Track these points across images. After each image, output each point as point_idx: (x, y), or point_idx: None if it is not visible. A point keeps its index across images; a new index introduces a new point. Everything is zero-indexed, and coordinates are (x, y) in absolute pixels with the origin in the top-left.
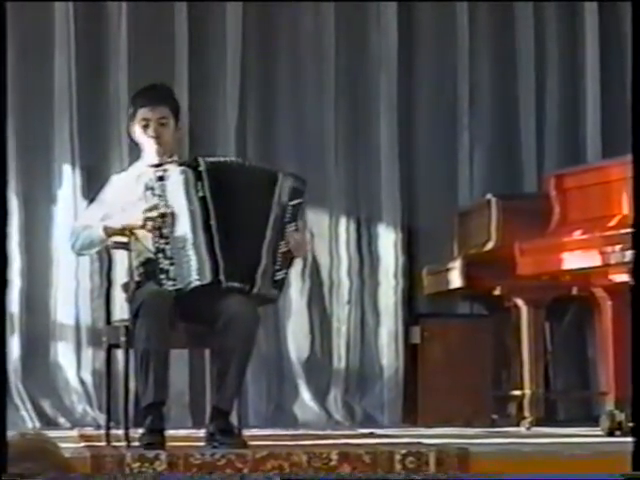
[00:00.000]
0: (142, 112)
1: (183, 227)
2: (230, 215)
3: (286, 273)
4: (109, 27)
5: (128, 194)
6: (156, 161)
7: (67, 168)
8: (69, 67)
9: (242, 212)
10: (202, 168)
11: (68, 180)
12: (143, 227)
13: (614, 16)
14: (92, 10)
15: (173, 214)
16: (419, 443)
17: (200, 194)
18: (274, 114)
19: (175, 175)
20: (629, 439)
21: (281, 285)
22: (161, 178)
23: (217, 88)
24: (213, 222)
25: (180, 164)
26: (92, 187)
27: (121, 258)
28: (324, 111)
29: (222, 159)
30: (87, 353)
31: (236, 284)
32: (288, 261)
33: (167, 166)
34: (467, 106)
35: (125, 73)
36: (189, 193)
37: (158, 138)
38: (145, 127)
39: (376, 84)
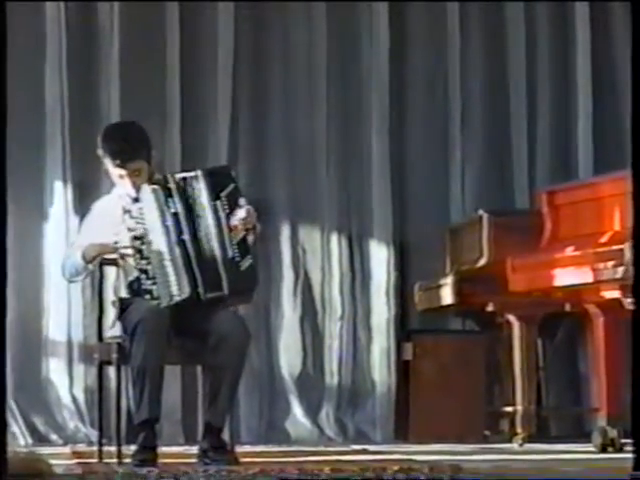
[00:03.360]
0: (114, 168)
1: (160, 245)
2: (195, 227)
3: (251, 258)
4: (100, 42)
5: (111, 219)
6: (134, 195)
7: (59, 184)
8: (60, 82)
9: (198, 222)
10: (171, 185)
11: (59, 196)
12: (115, 252)
13: (606, 24)
14: (83, 26)
15: (147, 235)
16: (411, 459)
17: (172, 210)
18: (266, 127)
19: (147, 196)
20: (621, 455)
21: (252, 273)
22: (136, 200)
23: (208, 100)
24: (186, 236)
25: (152, 183)
26: (84, 203)
27: (113, 274)
28: (316, 125)
29: (189, 174)
30: (79, 370)
31: (215, 294)
32: (248, 247)
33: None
34: (459, 122)
35: (117, 88)
36: (162, 211)
37: (133, 184)
38: (120, 177)
39: (368, 99)
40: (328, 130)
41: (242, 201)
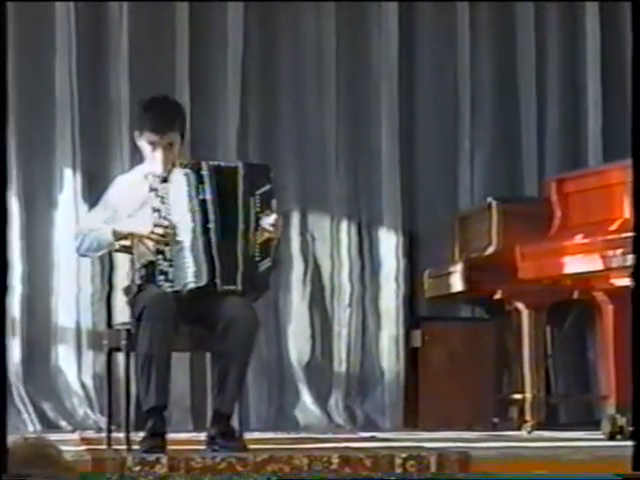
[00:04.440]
0: (150, 135)
1: (183, 230)
2: (223, 217)
3: (271, 261)
4: (110, 31)
5: (134, 195)
6: (160, 171)
7: (68, 172)
8: (70, 71)
9: (228, 213)
10: (204, 172)
11: (69, 184)
12: (150, 238)
13: (615, 18)
14: (93, 14)
15: (175, 221)
16: (420, 447)
17: (201, 197)
18: (275, 118)
19: (178, 177)
20: (630, 443)
21: (266, 277)
22: (165, 180)
23: (218, 92)
24: (212, 225)
25: (184, 166)
26: (93, 191)
27: (122, 261)
28: (325, 115)
29: (224, 163)
30: (88, 356)
31: (232, 287)
32: (270, 249)
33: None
34: (468, 110)
35: (126, 77)
36: (191, 196)
37: (165, 158)
38: (152, 147)
39: (377, 88)
40: (338, 119)
41: (274, 203)
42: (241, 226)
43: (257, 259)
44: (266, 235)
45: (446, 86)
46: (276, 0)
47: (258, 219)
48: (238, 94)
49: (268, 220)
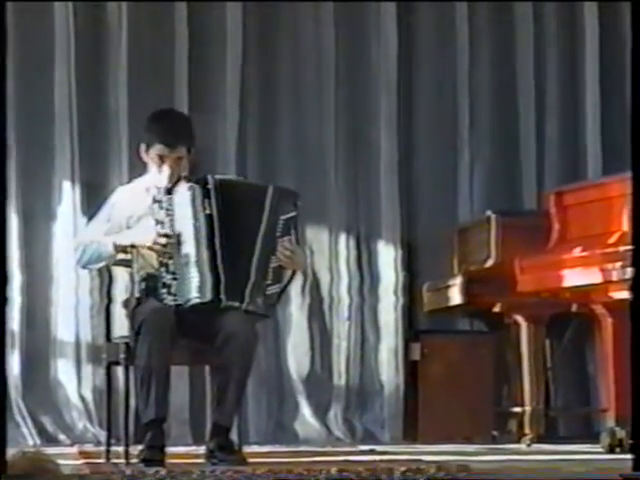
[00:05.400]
0: (159, 148)
1: (187, 243)
2: (232, 234)
3: (280, 287)
4: (109, 43)
5: (134, 207)
6: (164, 184)
7: (67, 184)
8: (69, 82)
9: (240, 230)
10: (211, 186)
11: (68, 196)
12: (152, 249)
13: (615, 26)
14: (92, 27)
15: (179, 234)
16: (419, 460)
17: (207, 211)
18: (274, 129)
19: (183, 190)
20: (630, 456)
21: (274, 300)
22: (169, 192)
23: (217, 102)
24: (217, 240)
25: (189, 180)
26: (92, 203)
27: (121, 274)
28: (324, 126)
29: (231, 177)
30: (87, 370)
31: (236, 303)
32: (282, 275)
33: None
34: (467, 122)
35: (125, 89)
36: (196, 210)
37: (172, 172)
38: (160, 160)
39: (376, 99)
40: (336, 131)
41: (294, 232)
42: (257, 246)
43: (267, 282)
44: (278, 262)
45: (445, 96)
46: (275, 0)
47: (276, 244)
48: (237, 105)
49: (285, 249)
